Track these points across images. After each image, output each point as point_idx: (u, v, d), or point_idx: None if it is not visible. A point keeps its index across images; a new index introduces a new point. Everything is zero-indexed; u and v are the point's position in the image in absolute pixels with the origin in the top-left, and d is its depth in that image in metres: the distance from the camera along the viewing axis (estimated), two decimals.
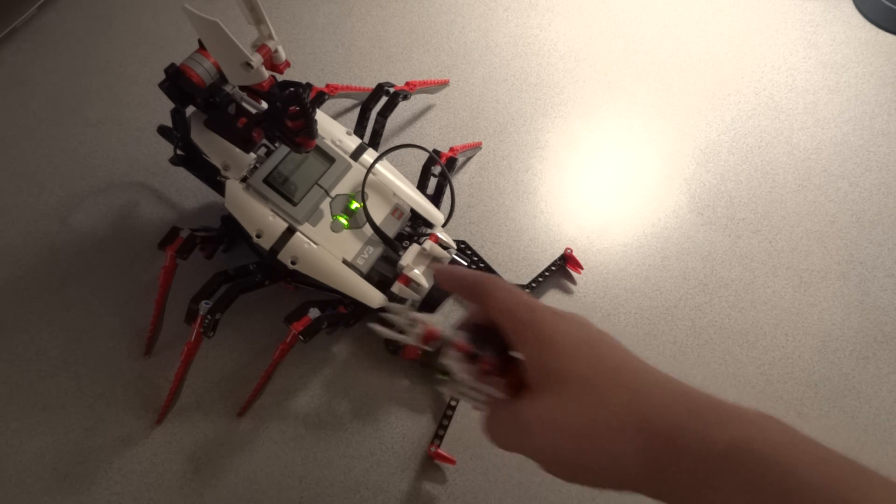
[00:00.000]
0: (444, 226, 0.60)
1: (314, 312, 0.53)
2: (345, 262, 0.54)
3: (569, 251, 0.63)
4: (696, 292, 0.65)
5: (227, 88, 0.51)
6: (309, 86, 0.59)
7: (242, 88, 0.52)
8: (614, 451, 0.22)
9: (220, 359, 0.60)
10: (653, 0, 0.84)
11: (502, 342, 0.27)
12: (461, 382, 0.28)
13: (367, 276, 0.55)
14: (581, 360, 0.24)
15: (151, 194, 0.68)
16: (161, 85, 0.49)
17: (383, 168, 0.58)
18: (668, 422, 0.22)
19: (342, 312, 0.56)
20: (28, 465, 0.55)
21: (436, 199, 0.62)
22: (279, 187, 0.54)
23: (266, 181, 0.53)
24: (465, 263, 0.58)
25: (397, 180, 0.58)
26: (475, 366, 0.28)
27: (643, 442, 0.22)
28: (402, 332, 0.30)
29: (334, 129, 0.58)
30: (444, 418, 0.56)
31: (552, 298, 0.64)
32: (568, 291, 0.64)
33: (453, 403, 0.56)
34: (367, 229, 0.55)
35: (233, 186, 0.53)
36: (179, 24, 0.81)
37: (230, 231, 0.60)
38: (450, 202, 0.59)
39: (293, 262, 0.53)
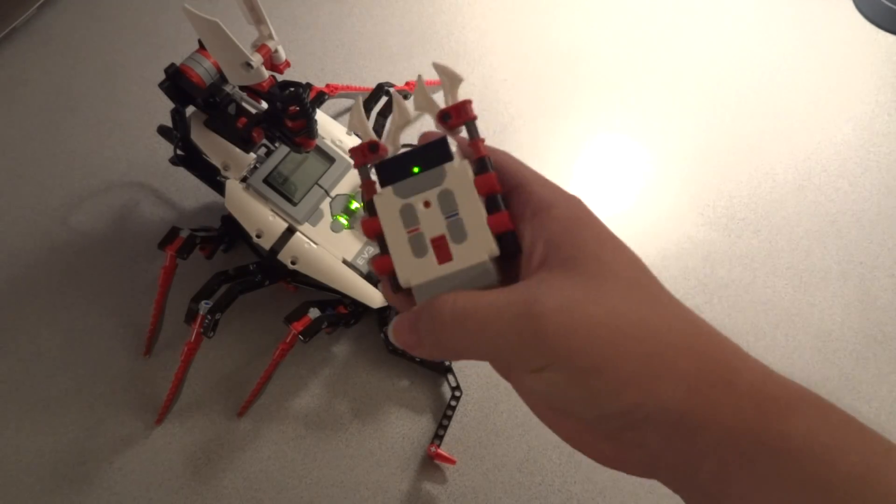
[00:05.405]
0: None
1: (314, 312, 0.53)
2: (345, 262, 0.54)
3: None
4: (695, 292, 0.65)
5: (227, 88, 0.51)
6: (309, 86, 0.59)
7: (242, 88, 0.52)
8: (666, 365, 0.17)
9: (220, 359, 0.60)
10: (653, 1, 0.84)
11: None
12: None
13: (367, 276, 0.55)
14: (619, 252, 0.19)
15: (151, 194, 0.68)
16: (161, 85, 0.49)
17: None
18: (722, 364, 0.18)
19: (342, 312, 0.56)
20: (28, 465, 0.55)
21: None
22: (279, 187, 0.54)
23: (266, 181, 0.53)
24: None
25: None
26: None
27: (693, 376, 0.17)
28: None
29: (334, 129, 0.58)
30: (444, 418, 0.56)
31: None
32: None
33: (453, 403, 0.56)
34: None
35: (233, 186, 0.53)
36: (179, 24, 0.81)
37: (230, 231, 0.61)
38: None
39: (293, 262, 0.53)
